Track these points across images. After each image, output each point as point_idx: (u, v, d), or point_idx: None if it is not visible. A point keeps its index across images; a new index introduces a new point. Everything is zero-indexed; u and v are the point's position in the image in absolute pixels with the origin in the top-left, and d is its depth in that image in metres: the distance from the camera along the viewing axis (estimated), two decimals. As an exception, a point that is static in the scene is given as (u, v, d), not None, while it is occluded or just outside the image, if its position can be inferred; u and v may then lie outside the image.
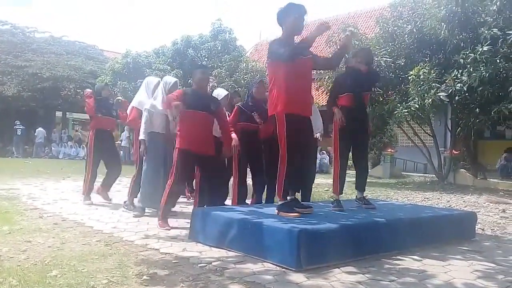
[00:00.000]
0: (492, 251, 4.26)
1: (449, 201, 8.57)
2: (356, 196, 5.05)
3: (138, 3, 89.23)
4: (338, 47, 4.59)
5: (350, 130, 4.72)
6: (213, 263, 3.41)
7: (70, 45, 27.16)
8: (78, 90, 23.49)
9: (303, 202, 4.41)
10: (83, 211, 5.79)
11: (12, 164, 15.29)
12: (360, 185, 4.99)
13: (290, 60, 3.87)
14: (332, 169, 4.92)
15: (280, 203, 4.06)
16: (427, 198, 9.01)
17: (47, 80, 22.73)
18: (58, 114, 27.75)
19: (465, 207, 7.68)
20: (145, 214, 5.51)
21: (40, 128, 21.98)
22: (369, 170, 16.92)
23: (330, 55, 4.60)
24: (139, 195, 5.56)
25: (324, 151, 18.59)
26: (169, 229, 4.67)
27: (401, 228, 3.99)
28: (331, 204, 4.78)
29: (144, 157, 5.47)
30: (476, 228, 5.01)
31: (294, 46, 3.95)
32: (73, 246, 3.87)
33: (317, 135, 5.77)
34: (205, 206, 4.86)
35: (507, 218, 6.55)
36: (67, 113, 27.91)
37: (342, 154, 4.73)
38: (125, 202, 6.00)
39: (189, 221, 4.41)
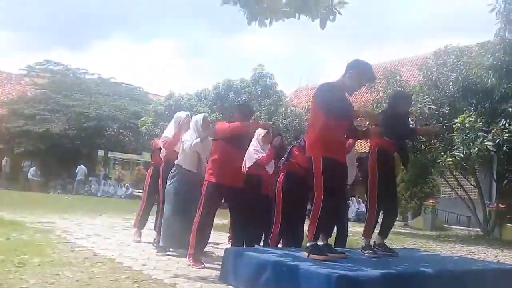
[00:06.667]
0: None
1: (496, 256, 8.05)
2: (375, 242, 4.64)
3: (183, 49, 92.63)
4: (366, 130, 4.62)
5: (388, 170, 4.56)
6: (244, 307, 3.21)
7: (117, 87, 28.05)
8: (121, 130, 24.12)
9: (337, 248, 4.25)
10: (114, 247, 5.71)
11: (52, 199, 15.59)
12: (386, 232, 4.71)
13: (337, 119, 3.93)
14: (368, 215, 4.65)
15: (309, 244, 3.89)
16: (473, 253, 8.48)
17: (93, 120, 23.43)
18: (100, 152, 28.44)
19: (516, 263, 7.15)
20: (175, 253, 5.35)
21: (81, 166, 22.49)
22: (408, 221, 16.41)
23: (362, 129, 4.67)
24: (161, 235, 5.45)
25: (360, 199, 18.09)
26: (203, 268, 4.52)
27: (450, 281, 3.66)
28: (363, 251, 4.51)
29: (166, 194, 5.40)
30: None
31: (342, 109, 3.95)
32: (101, 281, 3.76)
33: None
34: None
35: None
36: (109, 152, 28.57)
37: (380, 196, 4.48)
38: (154, 239, 5.89)
39: (221, 261, 4.24)
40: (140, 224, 6.51)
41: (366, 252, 4.45)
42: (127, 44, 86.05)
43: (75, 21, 72.41)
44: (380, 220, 4.76)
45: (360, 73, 4.08)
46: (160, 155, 5.90)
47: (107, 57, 78.56)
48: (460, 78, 11.04)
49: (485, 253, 8.49)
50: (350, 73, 4.07)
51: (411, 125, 5.65)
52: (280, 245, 5.34)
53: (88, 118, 23.48)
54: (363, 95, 15.42)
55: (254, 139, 5.56)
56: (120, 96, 26.76)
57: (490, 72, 10.29)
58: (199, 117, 5.46)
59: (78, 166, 22.45)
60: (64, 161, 23.54)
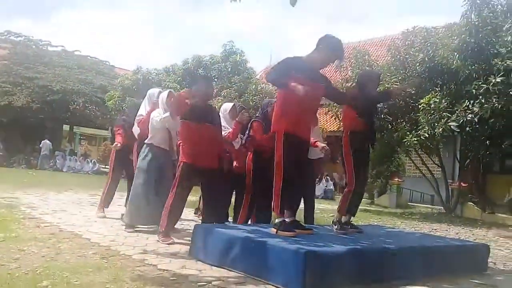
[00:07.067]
0: (506, 285, 4.06)
1: (457, 234, 8.34)
2: (342, 220, 4.68)
3: (152, 22, 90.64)
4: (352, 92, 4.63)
5: (361, 152, 4.64)
6: (213, 283, 3.24)
7: (82, 60, 27.31)
8: (87, 105, 23.55)
9: (304, 225, 4.33)
10: (81, 222, 5.64)
11: (15, 174, 15.20)
12: (353, 210, 4.79)
13: (279, 86, 4.04)
14: (343, 191, 4.71)
15: (277, 221, 3.95)
16: (435, 230, 8.79)
17: (57, 93, 22.78)
18: (66, 127, 27.79)
19: (475, 240, 7.45)
20: (144, 229, 5.33)
21: (45, 140, 21.96)
22: (374, 199, 16.78)
23: (343, 91, 4.68)
24: (126, 211, 5.43)
25: (328, 177, 18.38)
26: (172, 243, 4.52)
27: (412, 256, 3.79)
28: (333, 226, 4.60)
29: (137, 170, 5.38)
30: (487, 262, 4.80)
31: (286, 77, 3.84)
32: (68, 257, 3.71)
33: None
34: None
35: (519, 253, 6.32)
36: (74, 127, 27.95)
37: (357, 173, 4.56)
38: (122, 215, 5.85)
39: (190, 237, 4.25)
40: (105, 202, 6.45)
41: (336, 227, 4.54)
42: (92, 16, 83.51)
43: (38, -10, 69.68)
44: None
45: (330, 49, 4.05)
46: (134, 133, 5.86)
47: (71, 29, 76.12)
48: (426, 59, 11.22)
49: (446, 230, 8.80)
50: (320, 48, 4.05)
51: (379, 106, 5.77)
52: (249, 223, 5.38)
53: (52, 91, 22.81)
54: (332, 74, 15.51)
55: (220, 114, 5.52)
56: (86, 69, 26.09)
57: (455, 53, 10.48)
58: (165, 93, 5.41)
59: (43, 141, 21.94)
60: (27, 135, 22.95)
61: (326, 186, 18.04)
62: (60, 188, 10.52)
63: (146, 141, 5.33)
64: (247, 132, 5.36)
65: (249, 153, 5.41)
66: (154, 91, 5.86)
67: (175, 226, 5.50)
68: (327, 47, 4.04)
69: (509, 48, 9.77)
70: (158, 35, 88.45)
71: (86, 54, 28.44)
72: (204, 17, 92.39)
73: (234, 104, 5.65)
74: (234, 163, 5.49)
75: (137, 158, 5.60)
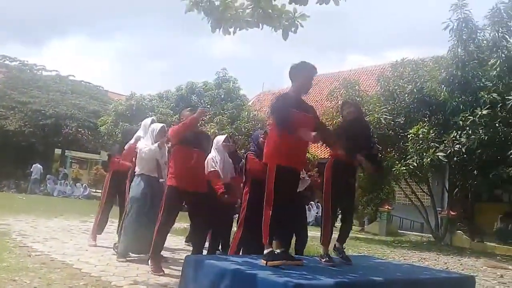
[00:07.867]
0: (490, 318, 4.13)
1: (446, 263, 8.41)
2: (335, 245, 4.74)
3: (146, 49, 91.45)
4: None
5: (344, 181, 4.69)
6: (203, 315, 3.29)
7: (75, 85, 27.45)
8: (80, 129, 23.57)
9: (294, 256, 4.38)
10: (72, 251, 5.67)
11: (5, 199, 15.09)
12: (344, 237, 4.83)
13: (284, 130, 3.95)
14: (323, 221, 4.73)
15: (266, 252, 3.98)
16: (424, 259, 8.86)
17: (50, 117, 22.84)
18: (57, 151, 27.70)
19: (463, 270, 7.53)
20: (135, 259, 5.37)
21: (36, 164, 21.84)
22: (364, 226, 16.78)
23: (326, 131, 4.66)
24: (120, 239, 5.49)
25: (319, 203, 18.40)
26: (163, 274, 4.56)
27: (399, 289, 3.87)
28: (321, 259, 4.63)
29: (128, 200, 5.49)
30: (474, 293, 4.87)
31: (291, 121, 3.93)
32: (59, 288, 3.75)
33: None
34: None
35: (505, 284, 6.41)
36: (66, 151, 27.86)
37: (334, 203, 4.60)
38: (115, 244, 5.89)
39: (180, 267, 4.29)
40: (98, 229, 6.48)
41: (324, 260, 4.58)
42: (87, 42, 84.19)
43: (32, 16, 70.29)
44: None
45: (300, 73, 4.13)
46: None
47: (66, 54, 76.60)
48: (415, 90, 11.48)
49: (435, 260, 8.86)
50: (293, 79, 4.15)
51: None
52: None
53: (45, 115, 22.88)
54: (324, 103, 15.75)
55: (213, 146, 5.58)
56: (79, 94, 26.21)
57: (443, 86, 10.79)
58: (157, 126, 5.57)
59: (34, 165, 21.80)
60: (18, 159, 22.85)
61: (317, 213, 18.03)
62: (51, 214, 10.48)
63: (137, 172, 5.43)
64: (243, 166, 5.35)
65: (245, 187, 5.40)
66: (147, 122, 5.99)
67: (166, 256, 5.55)
68: (298, 73, 4.13)
69: (494, 82, 10.09)
70: (152, 61, 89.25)
71: (80, 79, 28.66)
72: (198, 44, 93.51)
73: (226, 136, 5.79)
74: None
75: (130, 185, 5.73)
